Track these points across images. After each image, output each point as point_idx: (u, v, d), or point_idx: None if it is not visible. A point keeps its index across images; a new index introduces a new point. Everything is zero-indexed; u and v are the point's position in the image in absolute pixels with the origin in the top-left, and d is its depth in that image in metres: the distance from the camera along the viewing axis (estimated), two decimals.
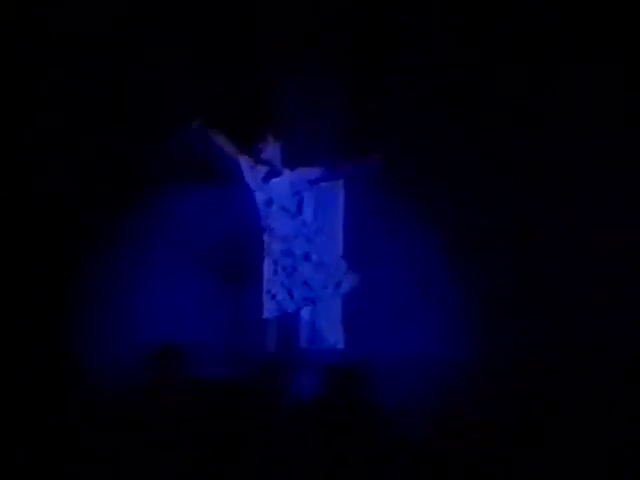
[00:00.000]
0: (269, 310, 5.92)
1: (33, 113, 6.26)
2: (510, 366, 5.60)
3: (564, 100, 6.24)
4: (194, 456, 4.05)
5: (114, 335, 5.98)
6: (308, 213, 6.17)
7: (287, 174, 5.98)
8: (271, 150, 6.00)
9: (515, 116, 6.33)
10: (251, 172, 5.98)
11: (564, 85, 6.27)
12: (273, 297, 5.93)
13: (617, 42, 6.21)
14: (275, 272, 5.94)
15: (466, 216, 6.27)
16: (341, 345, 6.07)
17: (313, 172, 5.98)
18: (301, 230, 5.99)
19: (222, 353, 5.75)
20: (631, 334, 5.85)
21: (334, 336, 6.07)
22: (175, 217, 6.29)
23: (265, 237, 5.97)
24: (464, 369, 5.56)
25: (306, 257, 5.96)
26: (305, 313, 6.06)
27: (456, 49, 6.31)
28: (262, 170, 5.99)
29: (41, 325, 5.98)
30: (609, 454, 4.42)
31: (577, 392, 5.10)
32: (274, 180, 5.96)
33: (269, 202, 5.96)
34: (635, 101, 6.20)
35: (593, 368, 5.57)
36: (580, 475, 4.31)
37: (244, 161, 5.99)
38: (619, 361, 5.68)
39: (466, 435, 4.36)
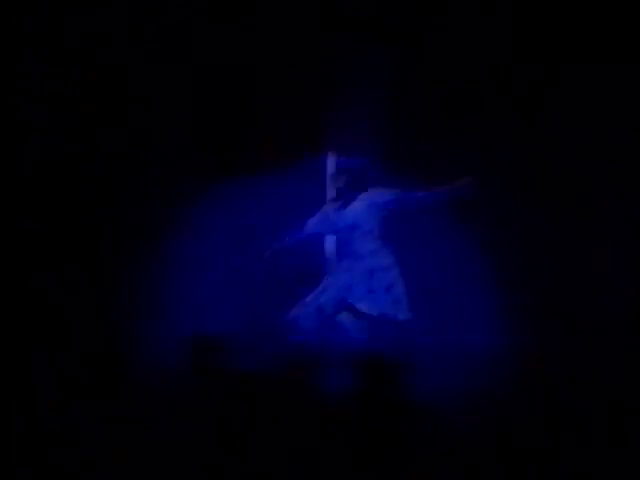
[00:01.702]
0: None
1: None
2: (542, 358, 5.67)
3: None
4: (226, 448, 4.12)
5: (152, 325, 6.10)
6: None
7: (364, 197, 5.89)
8: (343, 177, 5.96)
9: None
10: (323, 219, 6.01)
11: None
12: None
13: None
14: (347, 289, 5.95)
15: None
16: (365, 335, 6.14)
17: (389, 194, 5.87)
18: (381, 251, 5.94)
19: (256, 345, 5.79)
20: None
21: (358, 327, 6.13)
22: (219, 209, 6.45)
23: (346, 260, 5.97)
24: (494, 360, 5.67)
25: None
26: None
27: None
28: (337, 198, 5.99)
29: (83, 313, 6.14)
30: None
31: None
32: (352, 205, 5.91)
33: (353, 227, 5.91)
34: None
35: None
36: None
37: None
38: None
39: (499, 427, 4.40)
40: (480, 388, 5.00)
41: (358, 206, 5.90)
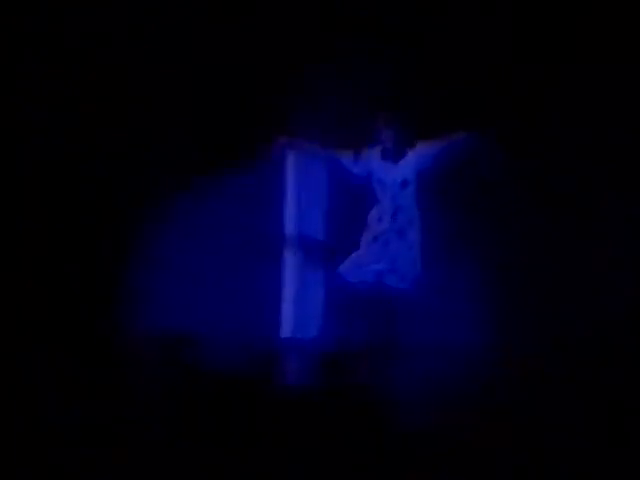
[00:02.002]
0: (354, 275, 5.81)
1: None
2: (519, 357, 5.67)
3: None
4: (199, 446, 4.11)
5: (150, 325, 6.10)
6: None
7: (412, 152, 5.80)
8: (386, 132, 5.87)
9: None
10: (360, 161, 5.81)
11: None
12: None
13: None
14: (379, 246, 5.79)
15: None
16: (320, 332, 6.12)
17: (436, 146, 5.79)
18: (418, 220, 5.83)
19: (227, 343, 5.80)
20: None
21: (315, 323, 6.12)
22: (192, 206, 6.46)
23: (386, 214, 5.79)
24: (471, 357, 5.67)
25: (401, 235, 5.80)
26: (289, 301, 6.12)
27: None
28: (376, 154, 5.82)
29: (82, 313, 6.15)
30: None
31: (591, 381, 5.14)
32: (404, 160, 5.80)
33: (404, 184, 5.78)
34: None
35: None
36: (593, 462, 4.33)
37: (345, 156, 5.86)
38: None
39: (470, 424, 4.39)
40: (479, 387, 5.00)
41: (410, 161, 5.77)
